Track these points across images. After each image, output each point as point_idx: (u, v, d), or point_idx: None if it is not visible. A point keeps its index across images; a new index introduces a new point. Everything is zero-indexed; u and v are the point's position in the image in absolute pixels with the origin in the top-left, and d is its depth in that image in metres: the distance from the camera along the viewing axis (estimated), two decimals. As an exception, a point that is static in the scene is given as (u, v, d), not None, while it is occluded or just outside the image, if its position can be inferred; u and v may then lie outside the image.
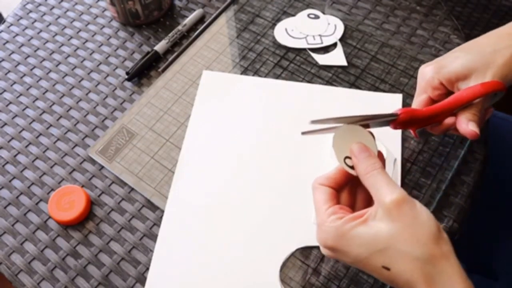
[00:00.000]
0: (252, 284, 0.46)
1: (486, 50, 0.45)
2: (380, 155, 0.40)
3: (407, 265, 0.34)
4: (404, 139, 0.53)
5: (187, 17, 0.65)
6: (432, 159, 0.52)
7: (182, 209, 0.50)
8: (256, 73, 0.59)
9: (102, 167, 0.54)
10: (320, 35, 0.62)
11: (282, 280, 0.46)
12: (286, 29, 0.63)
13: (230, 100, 0.57)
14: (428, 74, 0.47)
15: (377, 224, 0.35)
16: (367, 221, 0.36)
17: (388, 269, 0.34)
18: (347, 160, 0.40)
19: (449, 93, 0.47)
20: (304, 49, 0.61)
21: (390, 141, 0.53)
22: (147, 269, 0.48)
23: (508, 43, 0.45)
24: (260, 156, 0.53)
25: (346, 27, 0.62)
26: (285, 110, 0.56)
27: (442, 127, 0.46)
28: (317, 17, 0.63)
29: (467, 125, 0.44)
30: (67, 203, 0.50)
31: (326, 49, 0.61)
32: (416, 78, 0.57)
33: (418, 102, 0.48)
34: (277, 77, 0.59)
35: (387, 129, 0.45)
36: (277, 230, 0.49)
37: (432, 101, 0.48)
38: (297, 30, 0.62)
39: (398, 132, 0.53)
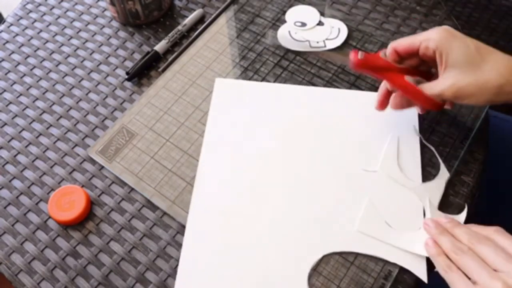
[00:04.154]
0: None
1: (489, 80, 0.44)
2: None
3: None
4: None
5: (187, 17, 0.65)
6: (432, 159, 0.52)
7: (205, 217, 0.49)
8: (256, 73, 0.59)
9: (102, 167, 0.54)
10: (323, 39, 0.61)
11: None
12: (289, 32, 0.62)
13: (245, 107, 0.56)
14: (436, 40, 0.46)
15: None
16: None
17: None
18: None
19: (423, 64, 0.49)
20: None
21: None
22: (147, 269, 0.48)
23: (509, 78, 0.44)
24: (282, 162, 0.52)
25: (346, 27, 0.63)
26: (301, 115, 0.55)
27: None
28: (321, 23, 0.63)
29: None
30: (67, 203, 0.50)
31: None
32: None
33: (401, 42, 0.49)
34: (277, 77, 0.59)
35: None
36: (303, 237, 0.48)
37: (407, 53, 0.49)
38: (300, 34, 0.62)
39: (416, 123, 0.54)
